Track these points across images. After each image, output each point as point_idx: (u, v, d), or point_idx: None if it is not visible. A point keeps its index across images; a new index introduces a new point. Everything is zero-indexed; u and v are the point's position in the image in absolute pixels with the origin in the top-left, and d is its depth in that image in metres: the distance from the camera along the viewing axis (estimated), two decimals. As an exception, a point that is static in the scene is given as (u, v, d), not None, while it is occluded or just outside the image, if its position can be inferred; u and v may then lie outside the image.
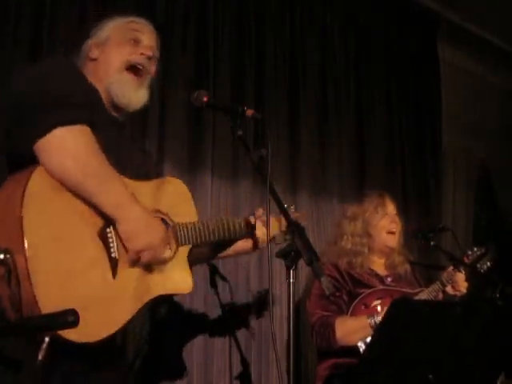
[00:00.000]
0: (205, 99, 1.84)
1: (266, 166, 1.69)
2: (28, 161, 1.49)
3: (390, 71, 4.23)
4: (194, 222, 1.80)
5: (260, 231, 2.02)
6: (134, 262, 1.60)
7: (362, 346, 2.55)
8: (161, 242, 1.62)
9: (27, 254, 1.37)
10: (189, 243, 1.78)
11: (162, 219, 1.72)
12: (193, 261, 1.86)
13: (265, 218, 1.91)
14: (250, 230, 2.01)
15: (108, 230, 1.57)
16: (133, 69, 1.82)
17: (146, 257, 1.59)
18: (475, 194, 4.85)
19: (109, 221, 1.56)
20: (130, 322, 1.57)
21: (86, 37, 1.90)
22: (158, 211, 1.72)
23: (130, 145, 1.90)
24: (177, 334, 2.79)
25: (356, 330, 2.57)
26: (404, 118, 4.26)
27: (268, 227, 1.71)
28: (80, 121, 1.52)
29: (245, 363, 2.87)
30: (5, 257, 1.34)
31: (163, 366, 2.70)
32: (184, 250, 1.76)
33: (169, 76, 2.89)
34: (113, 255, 1.56)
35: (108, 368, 1.62)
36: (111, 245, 1.56)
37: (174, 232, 1.74)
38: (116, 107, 1.83)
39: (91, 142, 1.53)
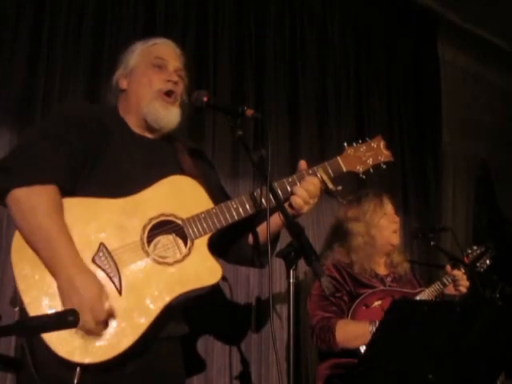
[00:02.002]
0: (205, 99, 1.84)
1: (265, 165, 1.68)
2: None
3: (390, 71, 4.22)
4: (208, 210, 1.76)
5: (297, 198, 1.81)
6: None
7: (363, 348, 2.54)
8: (93, 302, 1.55)
9: (25, 302, 1.54)
10: (205, 233, 1.75)
11: (166, 221, 1.73)
12: (243, 256, 1.95)
13: (310, 178, 1.92)
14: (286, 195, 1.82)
15: (101, 254, 1.63)
16: (163, 94, 1.89)
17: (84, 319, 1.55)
18: (475, 194, 4.85)
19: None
20: (152, 326, 1.61)
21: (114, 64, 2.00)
22: (161, 215, 1.73)
23: (166, 161, 1.91)
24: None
25: (357, 337, 2.55)
26: (404, 117, 4.26)
27: (268, 227, 1.68)
28: (39, 181, 1.60)
29: (245, 363, 2.86)
30: (20, 307, 1.54)
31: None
32: (202, 241, 1.74)
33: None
34: (111, 274, 1.62)
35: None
36: (106, 266, 1.62)
37: (185, 228, 1.73)
38: (150, 129, 1.91)
39: (44, 203, 1.59)
